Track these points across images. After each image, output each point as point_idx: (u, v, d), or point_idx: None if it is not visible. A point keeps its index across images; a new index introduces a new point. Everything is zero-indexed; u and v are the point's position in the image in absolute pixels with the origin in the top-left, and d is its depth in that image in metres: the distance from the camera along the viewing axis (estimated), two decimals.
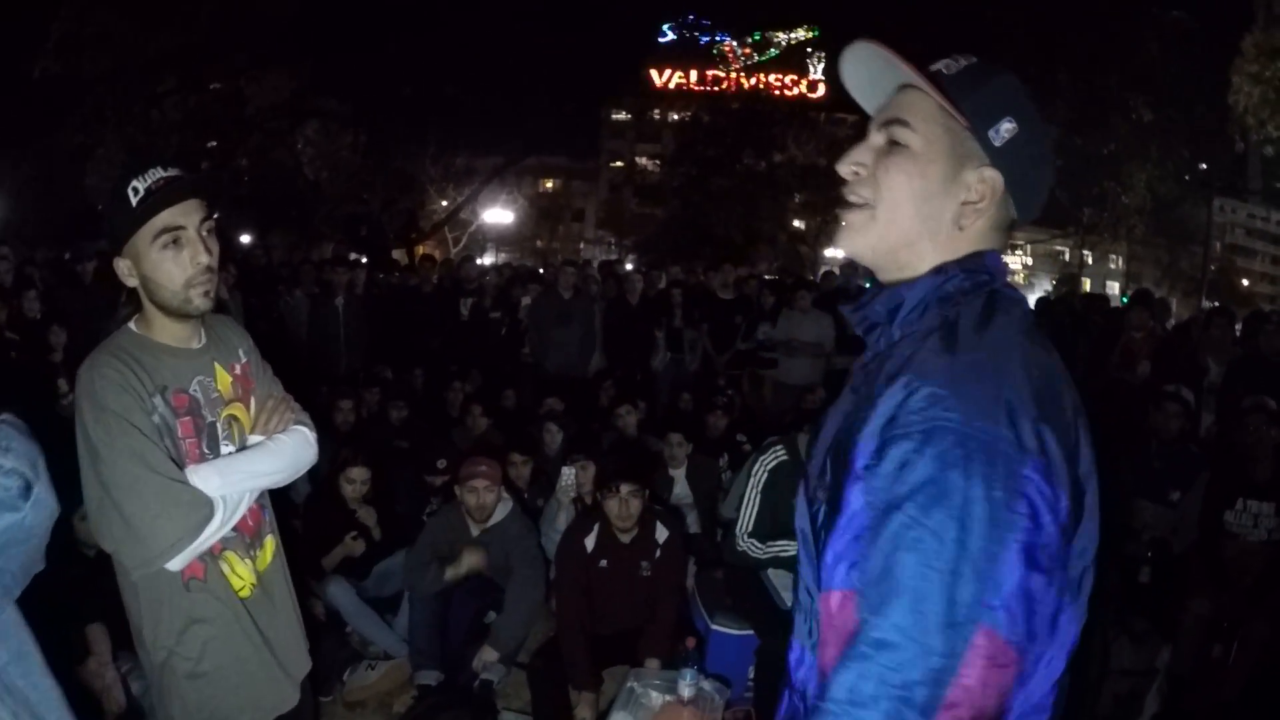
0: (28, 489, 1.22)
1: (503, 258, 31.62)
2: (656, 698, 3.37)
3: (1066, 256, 38.74)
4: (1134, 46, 17.58)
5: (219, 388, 2.10)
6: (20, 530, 1.22)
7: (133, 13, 16.07)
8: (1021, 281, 41.49)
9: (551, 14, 18.96)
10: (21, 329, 6.66)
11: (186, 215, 1.95)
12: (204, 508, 1.93)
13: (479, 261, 15.28)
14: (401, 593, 4.39)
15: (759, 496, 3.98)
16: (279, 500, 2.34)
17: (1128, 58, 17.67)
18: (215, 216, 2.04)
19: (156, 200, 1.91)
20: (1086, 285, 33.76)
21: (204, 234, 1.98)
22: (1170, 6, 19.17)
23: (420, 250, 21.16)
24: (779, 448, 4.07)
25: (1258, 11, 15.78)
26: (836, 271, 10.82)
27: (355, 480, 4.50)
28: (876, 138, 1.23)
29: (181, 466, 1.95)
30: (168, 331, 2.04)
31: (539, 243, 40.12)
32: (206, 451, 2.04)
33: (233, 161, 20.43)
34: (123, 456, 1.86)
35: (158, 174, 1.93)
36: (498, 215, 32.16)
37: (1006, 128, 1.17)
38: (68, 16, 15.65)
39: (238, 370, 2.17)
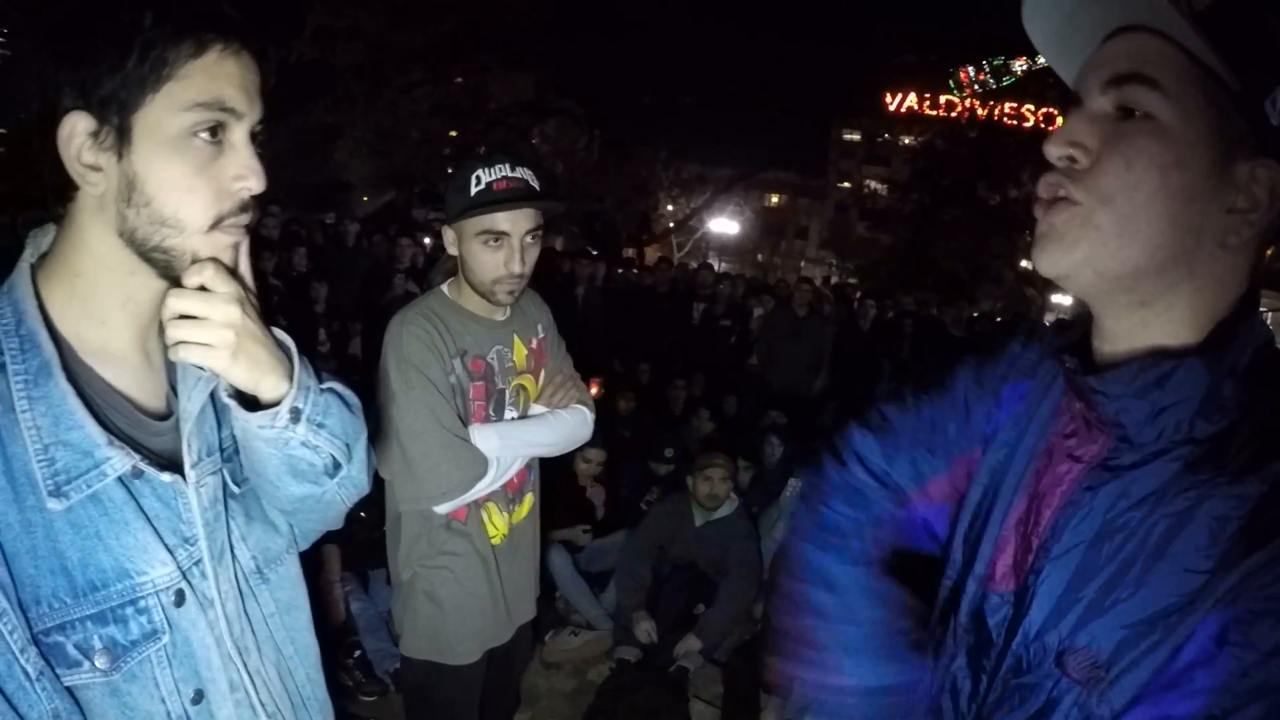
0: (336, 467, 1.17)
1: (724, 267, 31.95)
2: None
3: None
4: None
5: (514, 358, 2.22)
6: (317, 502, 1.20)
7: (380, 9, 17.22)
8: None
9: (791, 31, 18.99)
10: (287, 281, 7.39)
11: (514, 222, 2.03)
12: (479, 465, 2.07)
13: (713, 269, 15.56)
14: (611, 570, 4.58)
15: None
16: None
17: None
18: (541, 228, 2.11)
19: (491, 200, 2.01)
20: None
21: (525, 243, 2.06)
22: None
23: (650, 252, 21.63)
24: None
25: None
26: (1068, 319, 10.43)
27: (591, 460, 4.75)
28: (1100, 102, 0.84)
29: (466, 424, 2.10)
30: (475, 301, 2.15)
31: (760, 256, 40.15)
32: (492, 414, 2.18)
33: (472, 151, 21.52)
34: (416, 406, 2.02)
35: (502, 172, 2.03)
36: (723, 225, 32.46)
37: None
38: (323, 9, 16.90)
39: (534, 344, 2.29)
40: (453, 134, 21.19)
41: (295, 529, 1.28)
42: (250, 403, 1.08)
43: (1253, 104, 0.78)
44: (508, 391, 2.22)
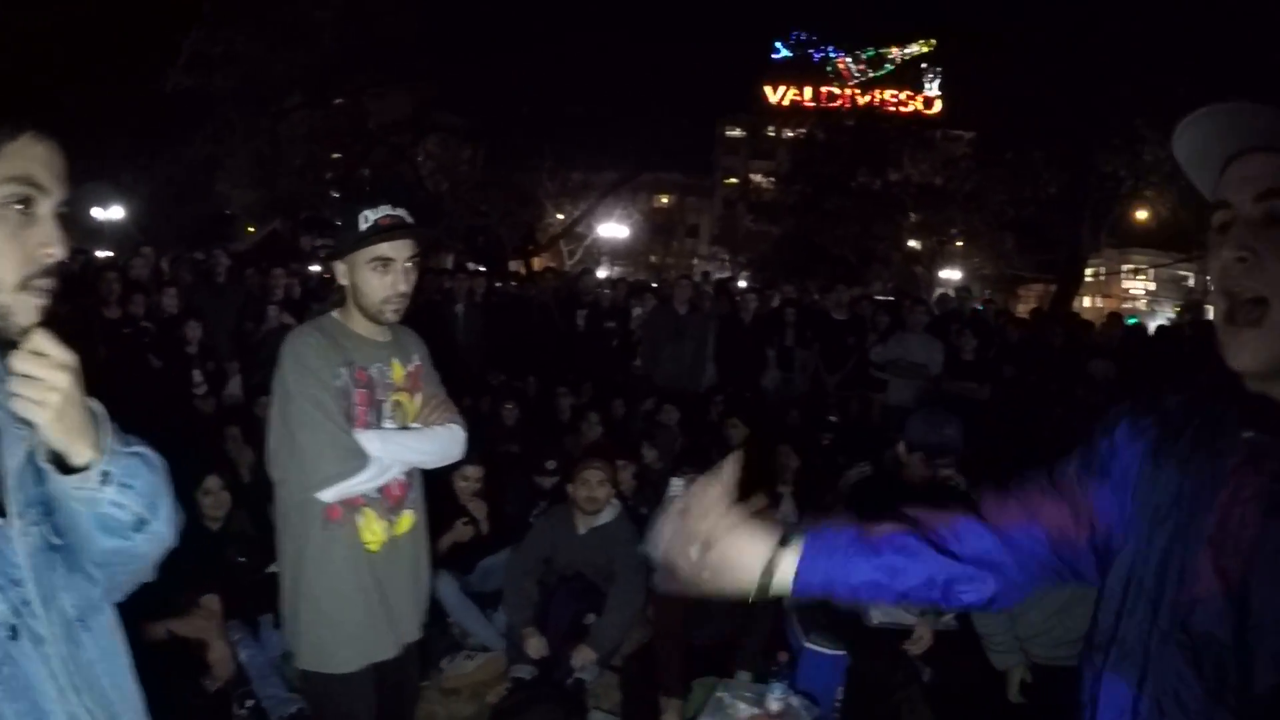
0: (140, 524, 1.28)
1: (617, 271, 31.94)
2: (744, 709, 3.41)
3: (1191, 282, 36.96)
4: (1267, 62, 16.75)
5: (393, 376, 2.54)
6: (127, 555, 1.31)
7: (259, 34, 16.83)
8: (1144, 308, 39.80)
9: (669, 33, 19.15)
10: (158, 322, 7.10)
11: (398, 250, 2.41)
12: (360, 458, 2.36)
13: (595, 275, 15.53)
14: (502, 589, 4.48)
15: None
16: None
17: (1257, 73, 16.85)
18: (418, 254, 2.48)
19: (381, 235, 2.38)
20: (1211, 313, 31.98)
21: (407, 267, 2.43)
22: None
23: (538, 262, 21.52)
24: (865, 465, 4.07)
25: None
26: (952, 294, 10.68)
27: (470, 477, 4.66)
28: (1253, 210, 1.08)
29: (351, 424, 2.40)
30: (361, 324, 2.49)
31: (653, 258, 40.33)
32: (372, 420, 2.47)
33: (355, 173, 21.19)
34: (308, 402, 2.33)
35: (385, 210, 2.41)
36: (613, 229, 32.49)
37: None
38: (198, 35, 16.46)
39: (410, 368, 2.60)
40: (335, 156, 20.85)
41: (108, 580, 1.34)
42: (64, 464, 1.20)
43: None
44: (386, 404, 2.52)
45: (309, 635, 2.46)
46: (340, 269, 2.45)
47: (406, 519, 2.56)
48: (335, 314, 2.53)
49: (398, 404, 2.54)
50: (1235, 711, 1.08)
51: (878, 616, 3.87)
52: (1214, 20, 16.15)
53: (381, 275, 2.39)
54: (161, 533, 1.34)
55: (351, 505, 2.41)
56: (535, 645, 4.09)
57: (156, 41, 15.88)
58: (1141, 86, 16.58)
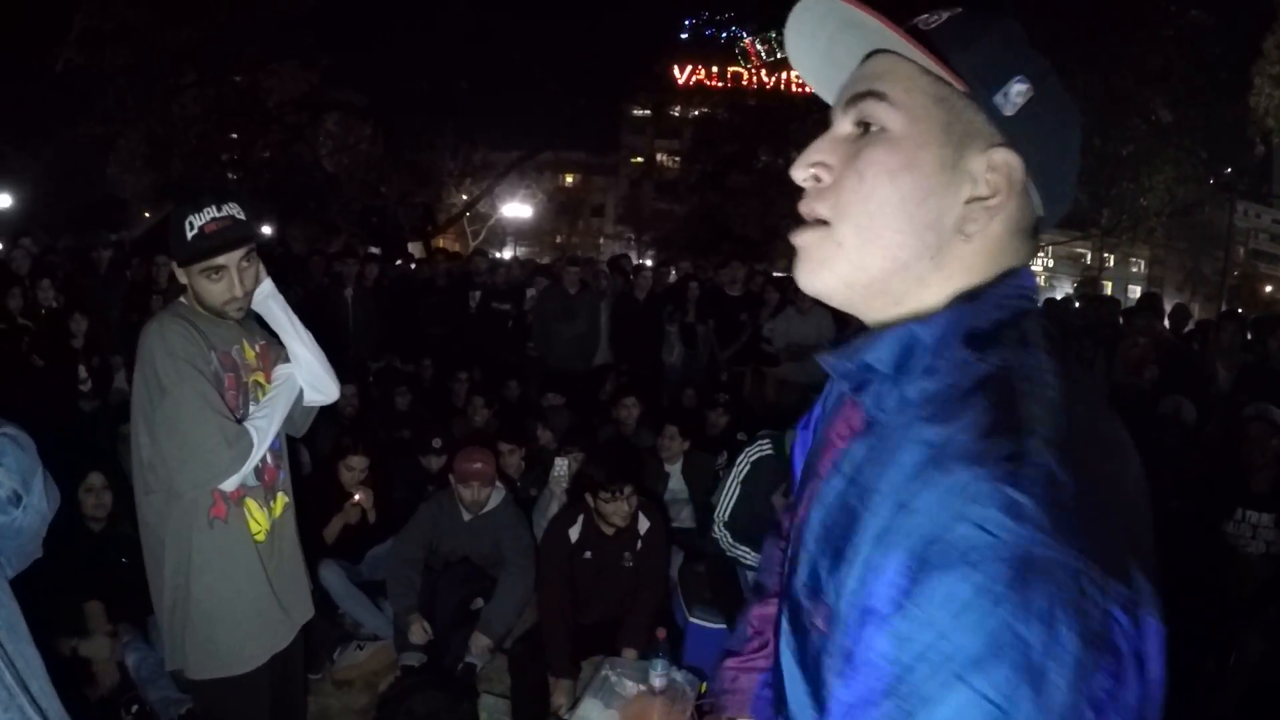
0: (17, 499, 1.33)
1: (521, 252, 31.70)
2: (630, 687, 3.44)
3: (1088, 259, 38.30)
4: (1152, 46, 17.28)
5: (247, 357, 2.53)
6: (10, 530, 1.34)
7: (151, 7, 16.21)
8: (1043, 283, 41.11)
9: (572, 8, 18.97)
10: (37, 318, 6.80)
11: (228, 256, 2.37)
12: (247, 437, 2.35)
13: (497, 255, 15.40)
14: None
15: (739, 486, 4.00)
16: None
17: (1146, 57, 17.37)
18: (253, 249, 2.44)
19: (206, 245, 2.34)
20: (1108, 288, 33.21)
21: (242, 267, 2.40)
22: (1189, 6, 18.90)
23: (438, 243, 21.23)
24: (765, 442, 4.07)
25: (1279, 12, 15.29)
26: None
27: (355, 468, 4.60)
28: (843, 124, 0.89)
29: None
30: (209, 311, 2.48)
31: (558, 238, 40.11)
32: (241, 407, 2.45)
33: (252, 154, 20.65)
34: (190, 394, 2.27)
35: (210, 214, 2.34)
36: (516, 209, 32.23)
37: (1018, 89, 0.84)
38: (89, 10, 15.80)
39: (257, 348, 2.59)
40: (232, 137, 20.22)
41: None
42: None
43: (984, 100, 0.83)
44: (249, 385, 2.51)
45: (206, 644, 2.41)
46: (179, 272, 2.44)
47: (281, 501, 2.58)
48: (183, 299, 2.49)
49: (257, 384, 2.54)
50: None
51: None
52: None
53: (216, 282, 2.38)
54: (39, 506, 1.39)
55: (235, 498, 2.40)
56: (418, 631, 4.07)
57: (46, 18, 15.21)
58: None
